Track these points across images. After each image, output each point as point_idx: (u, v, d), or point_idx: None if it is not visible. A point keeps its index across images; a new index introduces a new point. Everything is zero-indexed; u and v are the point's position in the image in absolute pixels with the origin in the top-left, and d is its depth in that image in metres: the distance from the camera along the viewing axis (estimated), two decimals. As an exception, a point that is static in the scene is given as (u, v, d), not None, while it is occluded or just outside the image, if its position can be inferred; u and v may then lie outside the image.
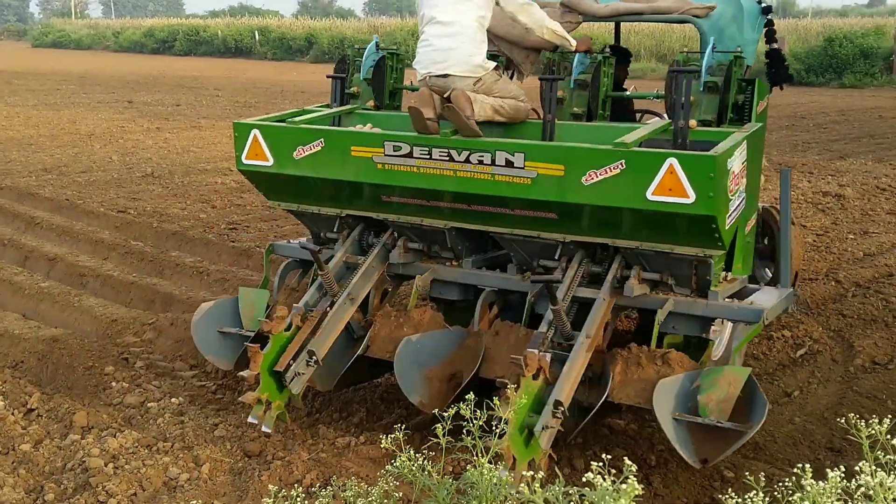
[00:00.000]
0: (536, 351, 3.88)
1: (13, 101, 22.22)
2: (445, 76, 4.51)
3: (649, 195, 3.87)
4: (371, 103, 5.30)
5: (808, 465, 2.50)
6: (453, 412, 2.60)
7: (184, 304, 6.51)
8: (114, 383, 5.12)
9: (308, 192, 4.81)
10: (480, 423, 2.53)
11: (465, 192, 4.32)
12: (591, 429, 4.66)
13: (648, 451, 4.44)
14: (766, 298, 4.61)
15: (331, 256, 4.83)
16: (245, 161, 4.75)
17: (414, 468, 2.41)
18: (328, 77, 5.39)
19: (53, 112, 19.73)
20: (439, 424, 2.60)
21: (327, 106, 5.43)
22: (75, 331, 6.03)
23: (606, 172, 3.94)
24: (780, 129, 17.99)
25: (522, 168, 4.11)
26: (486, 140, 4.27)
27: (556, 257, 4.41)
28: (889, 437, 2.45)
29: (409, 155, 4.35)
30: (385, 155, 4.40)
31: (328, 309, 4.54)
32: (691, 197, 3.79)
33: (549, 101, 4.61)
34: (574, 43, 4.88)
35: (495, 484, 2.23)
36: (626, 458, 4.21)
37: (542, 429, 3.66)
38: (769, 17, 5.15)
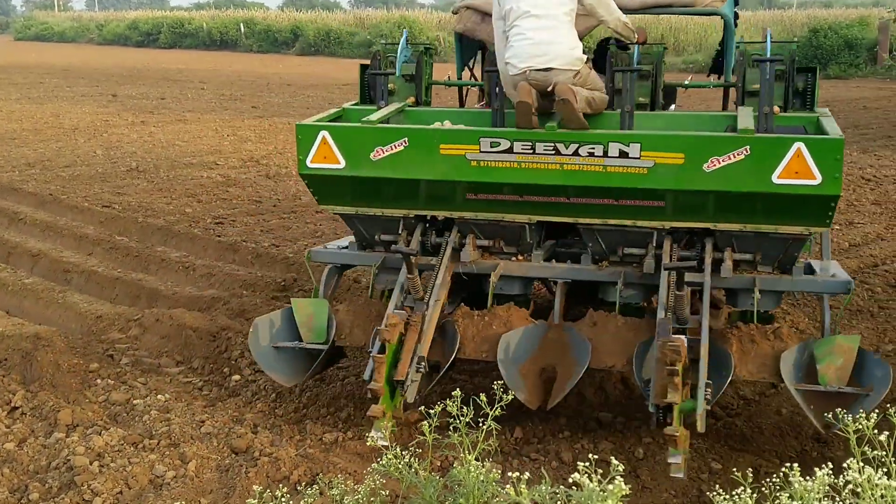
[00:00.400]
0: (684, 338, 3.89)
1: (-4, 94, 22.03)
2: (548, 70, 4.46)
3: (775, 179, 4.02)
4: (411, 100, 5.11)
5: (795, 465, 2.49)
6: (439, 409, 2.58)
7: (169, 300, 6.47)
8: (99, 380, 5.08)
9: (379, 193, 4.59)
10: (467, 420, 2.52)
11: (572, 185, 4.30)
12: (579, 422, 4.66)
13: (636, 443, 4.44)
14: (838, 270, 4.75)
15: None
16: (310, 165, 4.46)
17: (400, 466, 2.39)
18: (371, 74, 5.08)
19: (36, 106, 19.58)
20: (426, 421, 2.59)
21: (357, 104, 5.23)
22: (60, 327, 5.98)
23: (730, 159, 4.04)
24: (766, 119, 18.01)
25: (638, 158, 4.14)
26: (597, 132, 4.29)
27: (647, 244, 4.46)
28: (876, 431, 2.45)
29: (509, 151, 4.28)
30: (480, 152, 4.31)
31: (425, 313, 4.37)
32: (818, 179, 3.97)
33: (629, 93, 4.55)
34: (636, 35, 4.82)
35: (482, 481, 2.22)
36: (613, 451, 4.26)
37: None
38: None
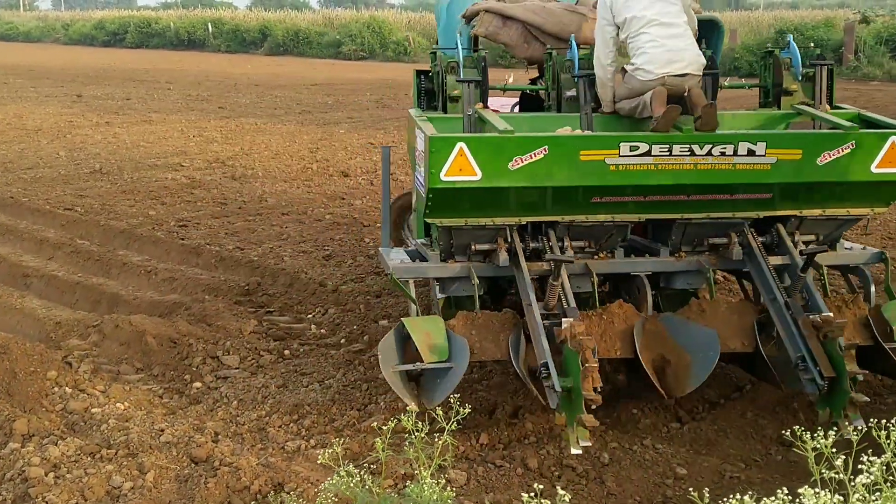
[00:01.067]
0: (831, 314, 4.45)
1: (-43, 95, 21.67)
2: (684, 75, 4.74)
3: (874, 168, 4.63)
4: (480, 105, 4.97)
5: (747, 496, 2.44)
6: (393, 425, 2.53)
7: (130, 305, 6.36)
8: (56, 389, 4.97)
9: (508, 203, 4.57)
10: (422, 435, 2.47)
11: (705, 183, 4.59)
12: (545, 427, 4.63)
13: (602, 448, 4.41)
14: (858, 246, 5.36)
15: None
16: (444, 178, 4.31)
17: (352, 484, 2.34)
18: (460, 80, 4.88)
19: (-1, 107, 19.28)
20: (379, 438, 2.54)
21: (421, 108, 5.21)
22: (17, 334, 5.85)
23: (839, 152, 4.59)
24: (733, 120, 18.16)
25: (764, 155, 4.52)
26: (729, 133, 4.65)
27: (729, 234, 4.83)
28: (834, 450, 2.43)
29: (647, 154, 4.46)
30: (620, 156, 4.44)
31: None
32: None
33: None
34: None
35: (436, 500, 2.17)
36: (579, 457, 4.23)
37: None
38: None
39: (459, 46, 5.05)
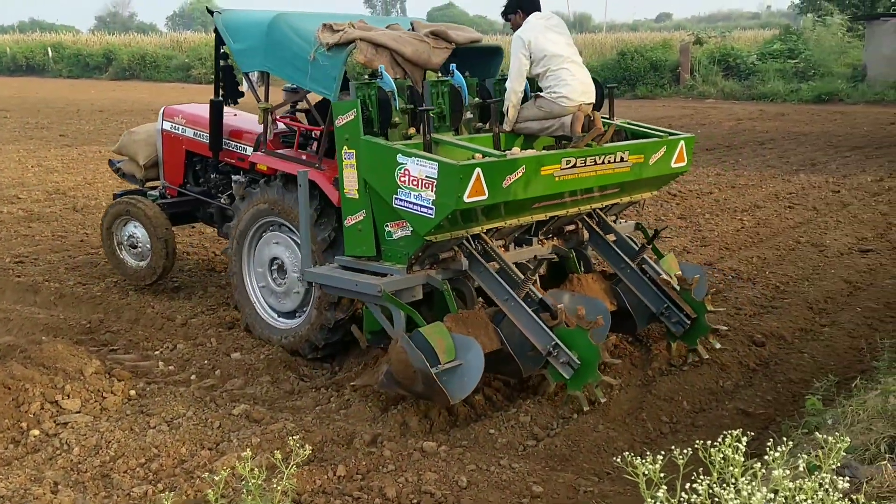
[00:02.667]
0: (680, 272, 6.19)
1: None
2: (590, 103, 5.97)
3: (672, 164, 6.17)
4: (412, 130, 5.70)
5: None
6: (226, 474, 2.41)
7: (-42, 351, 5.92)
8: None
9: (499, 213, 5.35)
10: (259, 482, 2.37)
11: (600, 184, 5.74)
12: (403, 454, 4.59)
13: (460, 471, 4.40)
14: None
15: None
16: (467, 200, 4.91)
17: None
18: (421, 110, 5.40)
19: None
20: (211, 490, 2.42)
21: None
22: None
23: (659, 154, 6.03)
24: (581, 139, 18.74)
25: (627, 161, 5.77)
26: (613, 145, 5.81)
27: (577, 222, 6.18)
28: (663, 475, 2.49)
29: (574, 165, 5.43)
30: (562, 169, 5.36)
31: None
32: (685, 161, 6.28)
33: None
34: None
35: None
36: (437, 482, 4.21)
37: None
38: None
39: (388, 78, 5.60)
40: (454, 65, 6.13)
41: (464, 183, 4.84)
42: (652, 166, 5.97)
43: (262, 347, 6.18)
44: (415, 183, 4.98)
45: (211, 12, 6.63)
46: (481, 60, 6.60)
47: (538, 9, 6.10)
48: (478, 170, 4.89)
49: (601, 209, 6.17)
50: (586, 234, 6.15)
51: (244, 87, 6.73)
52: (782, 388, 5.70)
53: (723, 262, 8.60)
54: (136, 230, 7.29)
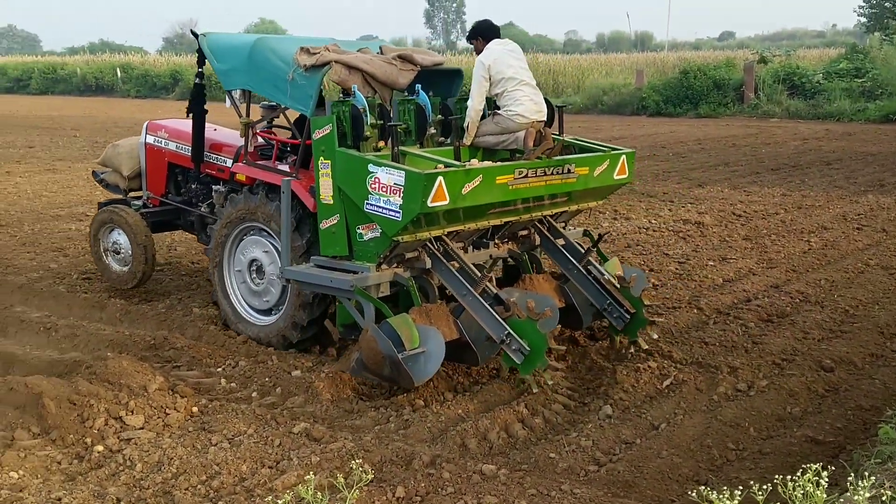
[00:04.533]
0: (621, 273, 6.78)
1: None
2: (541, 120, 6.64)
3: (615, 176, 6.76)
4: (381, 143, 6.22)
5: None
6: (288, 498, 2.39)
7: (27, 366, 6.04)
8: (-56, 459, 4.66)
9: (459, 217, 5.87)
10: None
11: (549, 193, 6.28)
12: (463, 476, 4.54)
13: (520, 496, 4.34)
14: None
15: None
16: (430, 204, 5.47)
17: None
18: (390, 125, 5.94)
19: None
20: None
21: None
22: None
23: (603, 167, 6.58)
24: (642, 158, 18.58)
25: (573, 172, 6.33)
26: (560, 158, 6.38)
27: (530, 227, 6.78)
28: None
29: (526, 176, 6.00)
30: (515, 179, 5.92)
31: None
32: (627, 174, 6.84)
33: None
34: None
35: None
36: (496, 506, 4.14)
37: None
38: None
39: (360, 96, 6.10)
40: (419, 85, 6.72)
41: (427, 189, 5.43)
42: (596, 177, 6.56)
43: (322, 366, 6.20)
44: (384, 189, 5.59)
45: (195, 35, 7.13)
46: (444, 80, 7.28)
47: (497, 36, 6.81)
48: (440, 178, 5.48)
49: (551, 216, 6.78)
50: (538, 239, 6.78)
51: (227, 104, 7.21)
52: (853, 415, 5.51)
53: (790, 285, 8.39)
54: (120, 237, 7.83)
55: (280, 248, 6.35)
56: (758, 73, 29.84)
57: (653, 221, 11.62)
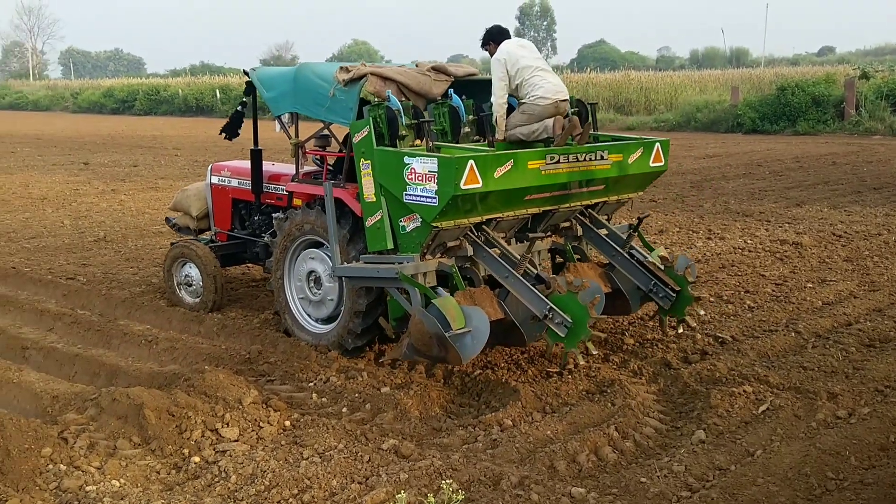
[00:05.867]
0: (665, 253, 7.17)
1: (-34, 165, 21.86)
2: (565, 99, 6.95)
3: (651, 163, 7.03)
4: (418, 141, 6.60)
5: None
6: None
7: (129, 377, 6.27)
8: (51, 466, 4.86)
9: (495, 202, 6.12)
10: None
11: (583, 178, 6.54)
12: (552, 498, 4.50)
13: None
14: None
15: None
16: (463, 187, 5.76)
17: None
18: (423, 122, 6.50)
19: (6, 176, 19.42)
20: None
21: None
22: (13, 409, 5.77)
23: (637, 155, 6.87)
24: (738, 176, 18.19)
25: (607, 159, 6.61)
26: (591, 145, 6.65)
27: (572, 219, 7.09)
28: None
29: (558, 161, 6.29)
30: (546, 164, 6.19)
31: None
32: (662, 161, 7.16)
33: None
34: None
35: None
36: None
37: None
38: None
39: (394, 100, 6.53)
40: (452, 90, 7.15)
41: (459, 172, 5.73)
42: (631, 165, 6.80)
43: (411, 384, 6.24)
44: (420, 178, 5.91)
45: (246, 72, 7.76)
46: (478, 91, 7.56)
47: (508, 37, 7.21)
48: (471, 161, 5.76)
49: (591, 207, 7.01)
50: (580, 230, 7.05)
51: (277, 129, 7.71)
52: (962, 446, 5.25)
53: (894, 309, 8.07)
54: (191, 270, 8.28)
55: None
56: (859, 89, 28.89)
57: (748, 242, 11.34)
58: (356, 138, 6.35)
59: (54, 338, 7.48)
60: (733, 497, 4.56)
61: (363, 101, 6.73)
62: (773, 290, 8.84)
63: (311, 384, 6.38)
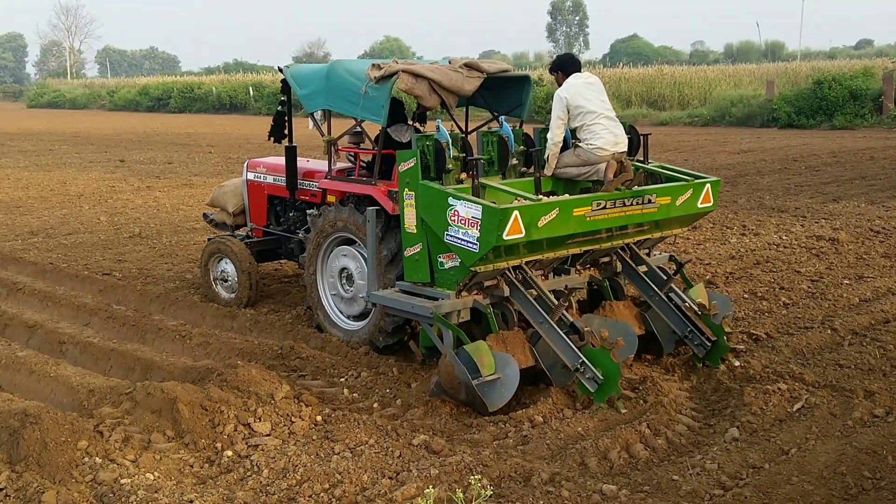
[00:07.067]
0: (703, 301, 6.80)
1: (5, 162, 22.24)
2: (622, 152, 6.65)
3: (699, 204, 6.77)
4: (464, 175, 6.39)
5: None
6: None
7: (163, 372, 6.34)
8: (87, 459, 4.92)
9: (535, 249, 6.03)
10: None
11: (628, 223, 6.42)
12: (583, 495, 4.47)
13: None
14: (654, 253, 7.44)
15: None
16: (506, 237, 5.63)
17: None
18: (468, 159, 6.26)
19: (44, 173, 19.72)
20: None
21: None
22: (50, 402, 5.86)
23: (686, 196, 6.66)
24: (773, 171, 17.98)
25: (654, 202, 6.42)
26: (640, 189, 6.41)
27: (611, 255, 6.88)
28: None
29: (604, 207, 6.13)
30: (593, 210, 6.07)
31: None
32: (711, 202, 6.84)
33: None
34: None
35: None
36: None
37: None
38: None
39: (443, 131, 6.41)
40: (503, 117, 7.27)
41: (503, 223, 5.59)
42: (679, 206, 6.63)
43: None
44: (463, 222, 5.81)
45: (280, 69, 7.85)
46: (513, 87, 7.53)
47: (578, 70, 6.96)
48: (516, 212, 5.64)
49: (634, 244, 6.84)
50: (619, 266, 6.89)
51: (310, 126, 7.72)
52: None
53: (933, 307, 7.93)
54: (227, 266, 8.37)
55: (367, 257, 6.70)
56: (898, 83, 28.41)
57: (784, 238, 11.21)
58: (402, 167, 6.24)
59: (90, 332, 7.58)
60: (767, 496, 4.51)
61: (395, 101, 6.67)
62: (809, 287, 8.73)
63: (343, 379, 6.41)
